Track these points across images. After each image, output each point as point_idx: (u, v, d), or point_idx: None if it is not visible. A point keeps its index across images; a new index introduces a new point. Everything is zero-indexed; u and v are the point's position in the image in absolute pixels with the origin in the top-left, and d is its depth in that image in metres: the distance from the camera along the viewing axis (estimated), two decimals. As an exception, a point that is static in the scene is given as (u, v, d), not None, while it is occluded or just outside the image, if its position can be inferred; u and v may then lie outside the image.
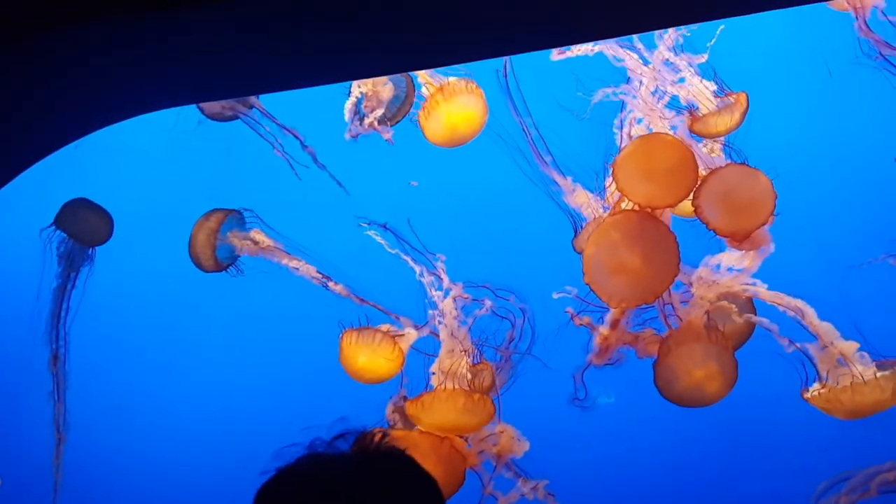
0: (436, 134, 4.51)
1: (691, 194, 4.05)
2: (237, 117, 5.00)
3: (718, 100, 4.16)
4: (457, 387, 4.20)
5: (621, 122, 4.30)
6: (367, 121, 4.74)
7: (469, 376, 4.28)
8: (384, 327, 4.53)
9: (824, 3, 3.83)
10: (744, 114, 4.13)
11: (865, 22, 3.94)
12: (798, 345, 4.32)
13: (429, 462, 4.09)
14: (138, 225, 5.61)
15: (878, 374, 4.20)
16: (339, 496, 1.64)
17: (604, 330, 4.40)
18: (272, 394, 5.98)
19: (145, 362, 6.79)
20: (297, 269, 4.71)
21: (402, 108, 4.76)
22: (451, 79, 4.46)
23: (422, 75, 4.54)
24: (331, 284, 4.69)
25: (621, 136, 4.28)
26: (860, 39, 3.98)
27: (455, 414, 4.15)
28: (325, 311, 4.64)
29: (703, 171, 4.08)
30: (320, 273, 4.70)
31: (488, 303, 4.46)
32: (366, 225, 4.56)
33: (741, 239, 4.14)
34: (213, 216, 4.78)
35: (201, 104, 4.81)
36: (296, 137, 4.86)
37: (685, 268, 4.27)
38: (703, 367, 4.21)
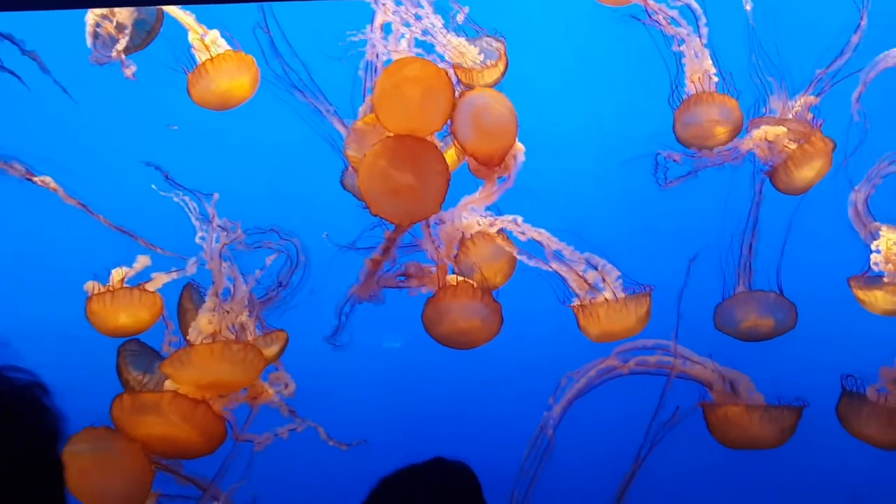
0: (208, 103, 4.31)
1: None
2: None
3: (480, 48, 4.10)
4: (220, 339, 4.05)
5: (370, 64, 4.22)
6: (115, 49, 4.42)
7: (235, 333, 4.13)
8: (121, 272, 4.33)
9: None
10: (506, 64, 4.11)
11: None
12: (554, 265, 4.46)
13: (182, 431, 4.00)
14: None
15: (629, 300, 4.43)
16: None
17: (376, 255, 4.42)
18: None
19: None
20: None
21: (147, 37, 4.46)
22: (221, 43, 4.22)
23: (189, 26, 4.29)
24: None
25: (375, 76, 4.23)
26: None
27: (217, 368, 3.97)
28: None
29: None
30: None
31: (265, 245, 4.35)
32: (152, 169, 4.32)
33: (494, 163, 4.20)
34: None
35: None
36: (13, 44, 4.45)
37: (446, 210, 4.31)
38: (467, 317, 4.31)
